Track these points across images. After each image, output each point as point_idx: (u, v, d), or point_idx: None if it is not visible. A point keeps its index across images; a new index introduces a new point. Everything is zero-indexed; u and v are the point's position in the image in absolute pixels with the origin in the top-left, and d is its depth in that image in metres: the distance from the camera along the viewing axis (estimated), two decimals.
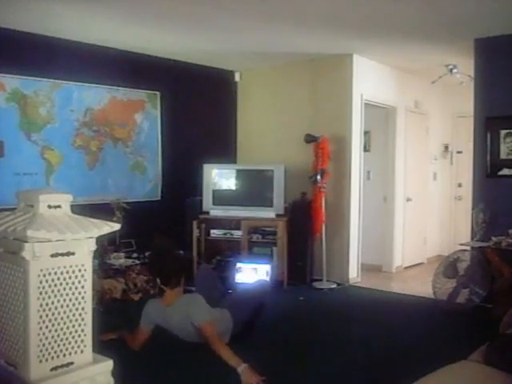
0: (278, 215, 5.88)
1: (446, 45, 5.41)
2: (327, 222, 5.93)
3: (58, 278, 2.57)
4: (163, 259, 3.69)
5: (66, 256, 2.58)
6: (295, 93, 6.48)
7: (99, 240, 2.78)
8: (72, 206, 2.73)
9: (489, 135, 5.06)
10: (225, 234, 6.02)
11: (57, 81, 5.22)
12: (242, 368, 3.22)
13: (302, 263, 5.92)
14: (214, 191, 6.09)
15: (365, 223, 6.31)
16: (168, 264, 3.64)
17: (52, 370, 2.55)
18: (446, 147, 7.79)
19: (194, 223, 5.97)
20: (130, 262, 5.34)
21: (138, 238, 5.65)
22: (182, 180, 6.16)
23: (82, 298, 2.66)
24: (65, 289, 2.59)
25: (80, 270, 2.65)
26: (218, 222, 6.06)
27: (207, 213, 6.07)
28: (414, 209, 7.15)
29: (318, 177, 5.79)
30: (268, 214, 5.87)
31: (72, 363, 2.62)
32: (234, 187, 6.26)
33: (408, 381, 2.16)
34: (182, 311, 3.55)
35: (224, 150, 6.76)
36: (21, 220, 2.54)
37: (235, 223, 5.97)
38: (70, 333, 2.62)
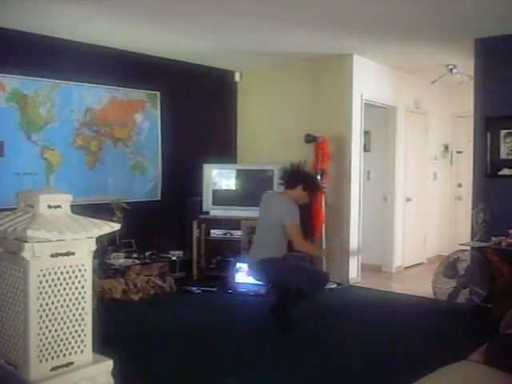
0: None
1: (446, 45, 5.41)
2: (327, 222, 5.93)
3: (58, 278, 2.57)
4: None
5: (65, 256, 2.58)
6: (295, 93, 6.48)
7: (99, 240, 2.78)
8: (72, 206, 2.73)
9: (489, 135, 5.06)
10: (225, 234, 6.02)
11: (57, 81, 5.22)
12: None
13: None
14: (213, 191, 6.10)
15: (365, 223, 6.30)
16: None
17: (52, 370, 2.54)
18: (446, 147, 7.79)
19: (194, 223, 5.97)
20: (129, 261, 5.35)
21: (137, 238, 5.66)
22: (182, 180, 6.15)
23: (82, 298, 2.66)
24: (65, 289, 2.59)
25: (80, 270, 2.65)
26: (218, 222, 6.05)
27: (207, 213, 6.07)
28: (414, 209, 7.15)
29: (318, 177, 5.79)
30: None
31: (72, 363, 2.62)
32: (233, 187, 6.26)
33: (408, 381, 2.16)
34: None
35: (224, 150, 6.76)
36: (21, 220, 2.54)
37: (235, 223, 5.96)
38: (70, 333, 2.62)
